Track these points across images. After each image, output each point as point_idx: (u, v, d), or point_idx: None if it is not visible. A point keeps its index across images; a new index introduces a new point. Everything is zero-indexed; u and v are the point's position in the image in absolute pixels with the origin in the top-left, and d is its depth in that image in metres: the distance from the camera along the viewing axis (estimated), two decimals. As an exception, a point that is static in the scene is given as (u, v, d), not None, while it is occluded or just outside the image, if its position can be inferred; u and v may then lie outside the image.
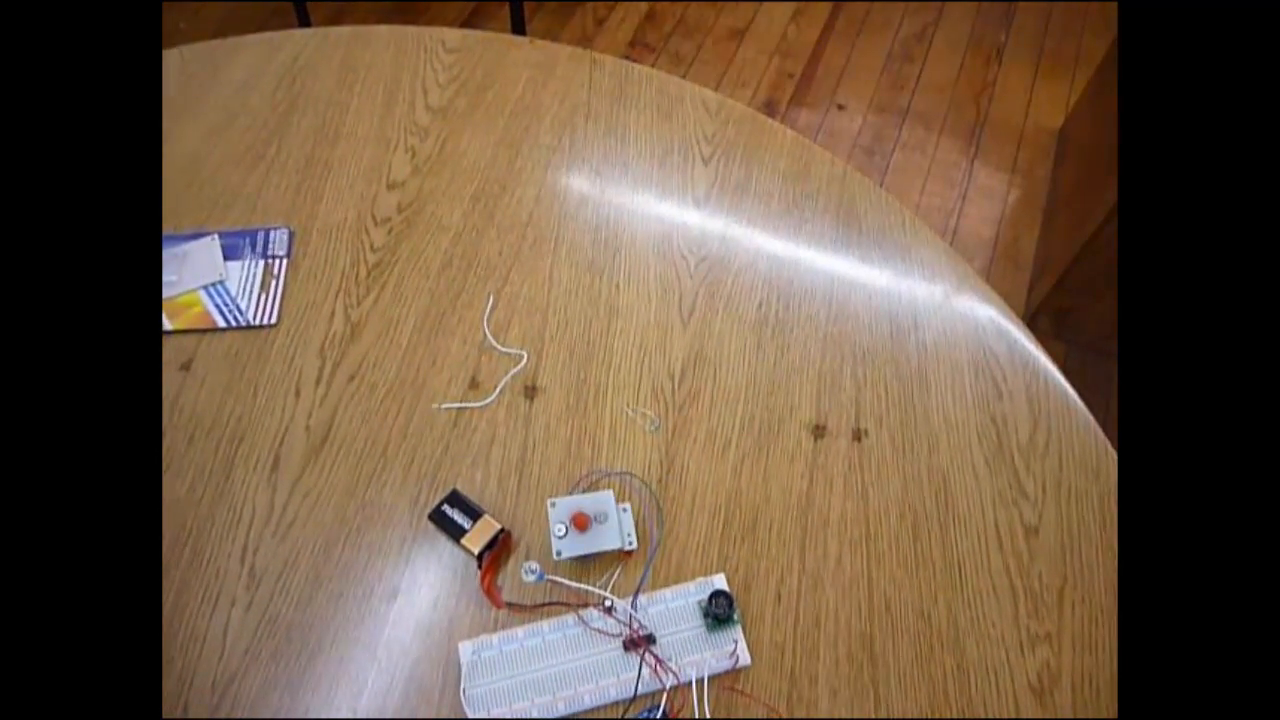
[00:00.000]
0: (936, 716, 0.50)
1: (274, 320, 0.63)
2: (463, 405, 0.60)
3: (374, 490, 0.56)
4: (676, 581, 0.53)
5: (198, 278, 0.64)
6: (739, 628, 0.51)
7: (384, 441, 0.58)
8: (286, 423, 0.58)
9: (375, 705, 0.49)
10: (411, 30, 0.82)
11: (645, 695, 0.49)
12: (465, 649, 0.50)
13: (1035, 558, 0.55)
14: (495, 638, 0.50)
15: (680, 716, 0.48)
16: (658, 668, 0.49)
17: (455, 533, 0.53)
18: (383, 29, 0.82)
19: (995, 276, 1.50)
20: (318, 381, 0.60)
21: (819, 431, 0.60)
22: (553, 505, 0.53)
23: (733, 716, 0.49)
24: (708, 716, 0.48)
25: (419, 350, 0.62)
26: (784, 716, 0.49)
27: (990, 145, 1.68)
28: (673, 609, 0.52)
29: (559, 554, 0.52)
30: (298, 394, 0.60)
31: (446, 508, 0.54)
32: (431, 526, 0.54)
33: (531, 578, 0.52)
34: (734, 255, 0.68)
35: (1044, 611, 0.53)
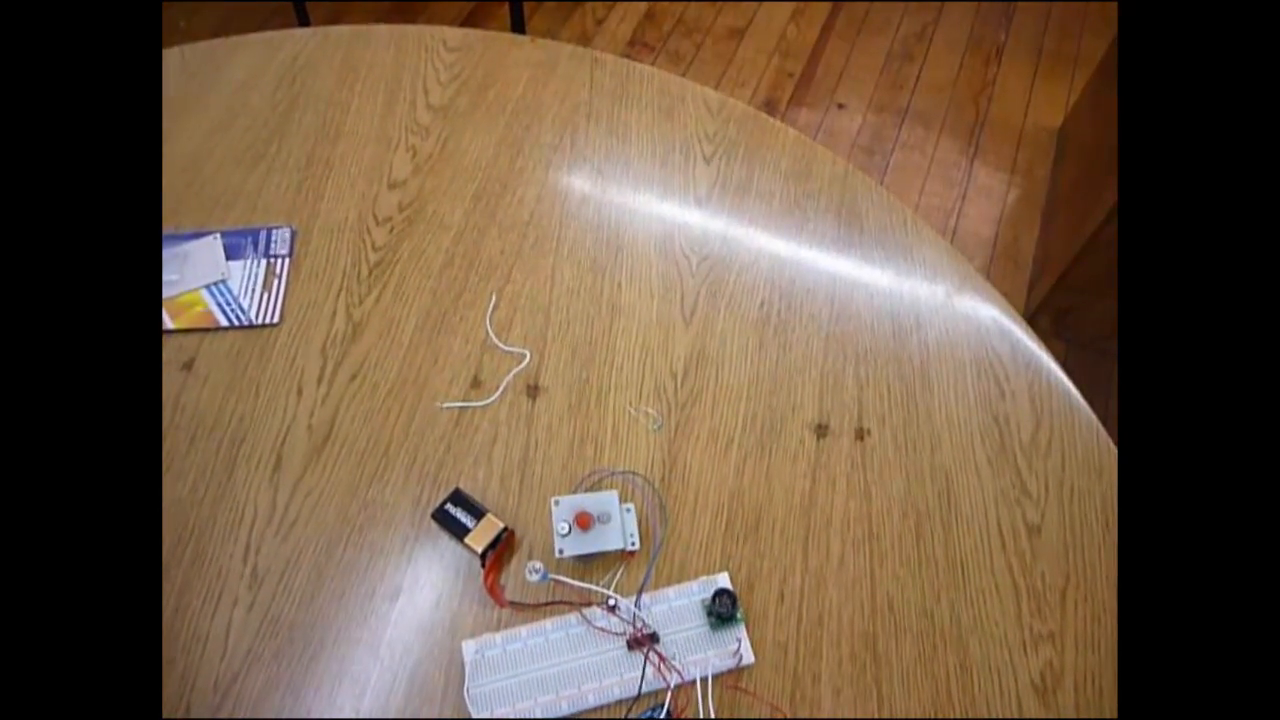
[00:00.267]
0: (939, 716, 0.50)
1: (276, 319, 0.63)
2: (465, 404, 0.60)
3: (376, 489, 0.56)
4: (680, 580, 0.53)
5: (200, 277, 0.64)
6: (742, 626, 0.51)
7: (386, 441, 0.58)
8: (288, 422, 0.58)
9: (378, 705, 0.49)
10: (412, 29, 0.82)
11: (649, 694, 0.49)
12: (468, 648, 0.50)
13: (1038, 557, 0.55)
14: (498, 637, 0.50)
15: (684, 715, 0.48)
16: (661, 666, 0.49)
17: (459, 531, 0.53)
18: (383, 28, 0.82)
19: (995, 276, 1.50)
20: (320, 380, 0.60)
21: (821, 431, 0.60)
22: (556, 503, 0.53)
23: (736, 715, 0.49)
24: (711, 715, 0.48)
25: (421, 349, 0.62)
26: (787, 715, 0.49)
27: (990, 145, 1.68)
28: (676, 608, 0.52)
29: (561, 552, 0.52)
30: (300, 393, 0.59)
31: (450, 506, 0.54)
32: (434, 525, 0.54)
33: (535, 577, 0.52)
34: (736, 254, 0.68)
35: (1047, 611, 0.53)
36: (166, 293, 0.63)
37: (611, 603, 0.51)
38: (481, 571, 0.52)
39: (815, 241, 0.69)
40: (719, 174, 0.73)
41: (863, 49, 1.83)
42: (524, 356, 0.62)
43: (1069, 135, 1.62)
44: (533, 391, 0.60)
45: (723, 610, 0.51)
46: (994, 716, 0.50)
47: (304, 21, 1.63)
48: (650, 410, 0.60)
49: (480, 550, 0.52)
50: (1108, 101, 1.42)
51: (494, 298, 0.65)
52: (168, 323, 0.62)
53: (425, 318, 0.63)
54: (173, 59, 0.78)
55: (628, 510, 0.54)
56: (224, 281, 0.64)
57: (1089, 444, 0.60)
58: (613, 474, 0.57)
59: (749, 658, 0.50)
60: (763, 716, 0.49)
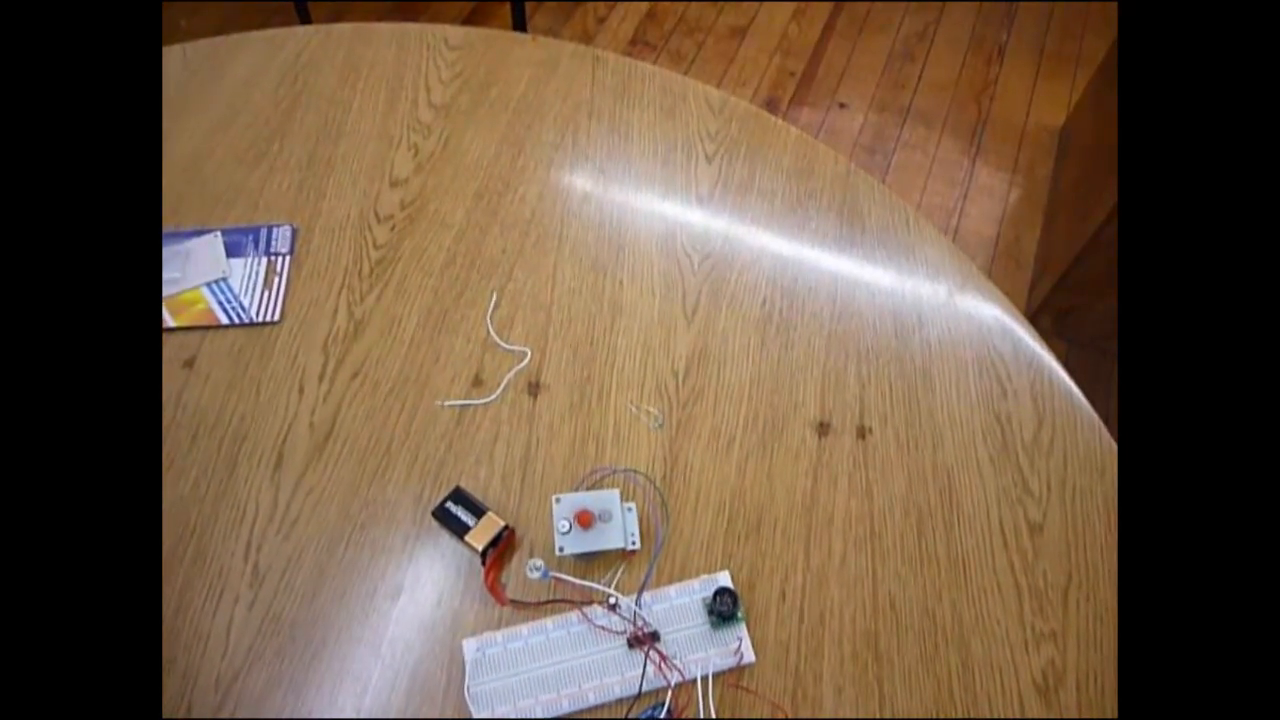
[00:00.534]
0: (941, 715, 0.50)
1: (277, 317, 0.63)
2: (466, 403, 0.60)
3: (377, 488, 0.56)
4: (681, 579, 0.53)
5: (201, 275, 0.64)
6: (743, 625, 0.51)
7: (387, 439, 0.58)
8: (290, 420, 0.58)
9: (379, 703, 0.49)
10: (414, 28, 0.81)
11: (650, 692, 0.49)
12: (469, 646, 0.50)
13: (1040, 555, 0.55)
14: (499, 635, 0.50)
15: (685, 714, 0.48)
16: (662, 665, 0.49)
17: (459, 529, 0.53)
18: (385, 26, 0.82)
19: (996, 275, 1.50)
20: (321, 378, 0.60)
21: (823, 429, 0.60)
22: (557, 501, 0.53)
23: (737, 714, 0.49)
24: (713, 714, 0.48)
25: (422, 347, 0.62)
26: (789, 714, 0.49)
27: (991, 144, 1.68)
28: (677, 606, 0.52)
29: (561, 549, 0.52)
30: (301, 391, 0.59)
31: (450, 504, 0.54)
32: (435, 524, 0.54)
33: (536, 575, 0.51)
34: (738, 253, 0.68)
35: (1049, 609, 0.53)
36: (167, 291, 0.63)
37: (612, 601, 0.51)
38: (482, 570, 0.52)
39: (817, 240, 0.69)
40: (721, 173, 0.73)
41: (864, 48, 1.83)
42: (525, 355, 0.62)
43: (1071, 135, 1.62)
44: (534, 390, 0.60)
45: (724, 609, 0.51)
46: (996, 715, 0.50)
47: (305, 20, 1.63)
48: (651, 409, 0.60)
49: (481, 548, 0.52)
50: (1109, 101, 1.42)
51: (495, 296, 0.65)
52: (168, 321, 0.62)
53: (427, 316, 0.63)
54: (174, 57, 0.78)
55: (629, 509, 0.54)
56: (225, 279, 0.64)
57: (1091, 443, 0.60)
58: (614, 472, 0.57)
59: (750, 656, 0.50)
60: (764, 715, 0.49)
